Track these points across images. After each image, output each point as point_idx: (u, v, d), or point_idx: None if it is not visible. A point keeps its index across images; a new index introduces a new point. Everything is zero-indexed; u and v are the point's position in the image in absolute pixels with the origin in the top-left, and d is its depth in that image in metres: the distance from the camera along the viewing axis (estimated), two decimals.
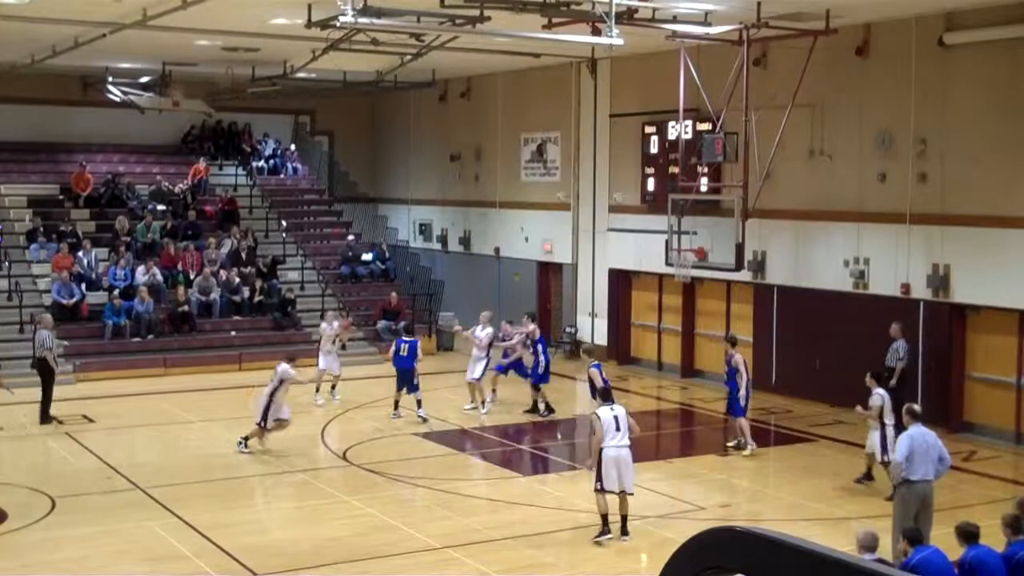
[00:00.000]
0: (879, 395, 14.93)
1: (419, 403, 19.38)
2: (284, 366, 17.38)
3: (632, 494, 13.08)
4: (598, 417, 13.03)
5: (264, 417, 17.12)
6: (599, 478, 12.86)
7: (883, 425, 14.78)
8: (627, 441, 13.04)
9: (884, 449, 14.60)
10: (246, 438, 17.31)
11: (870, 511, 13.64)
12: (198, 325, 25.36)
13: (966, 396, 18.91)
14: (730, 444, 17.53)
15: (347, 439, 18.21)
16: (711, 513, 14.25)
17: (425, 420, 19.21)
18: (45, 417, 19.24)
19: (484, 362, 20.05)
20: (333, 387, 21.38)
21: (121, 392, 21.56)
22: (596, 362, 17.50)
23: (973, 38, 18.16)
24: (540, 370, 20.06)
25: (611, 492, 12.89)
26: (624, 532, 13.05)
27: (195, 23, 19.66)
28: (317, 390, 21.07)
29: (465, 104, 30.32)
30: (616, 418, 13.00)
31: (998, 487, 15.70)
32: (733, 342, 17.94)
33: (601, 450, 12.86)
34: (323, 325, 21.90)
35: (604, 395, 13.73)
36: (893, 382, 17.85)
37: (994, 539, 9.79)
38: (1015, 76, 17.74)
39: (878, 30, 19.65)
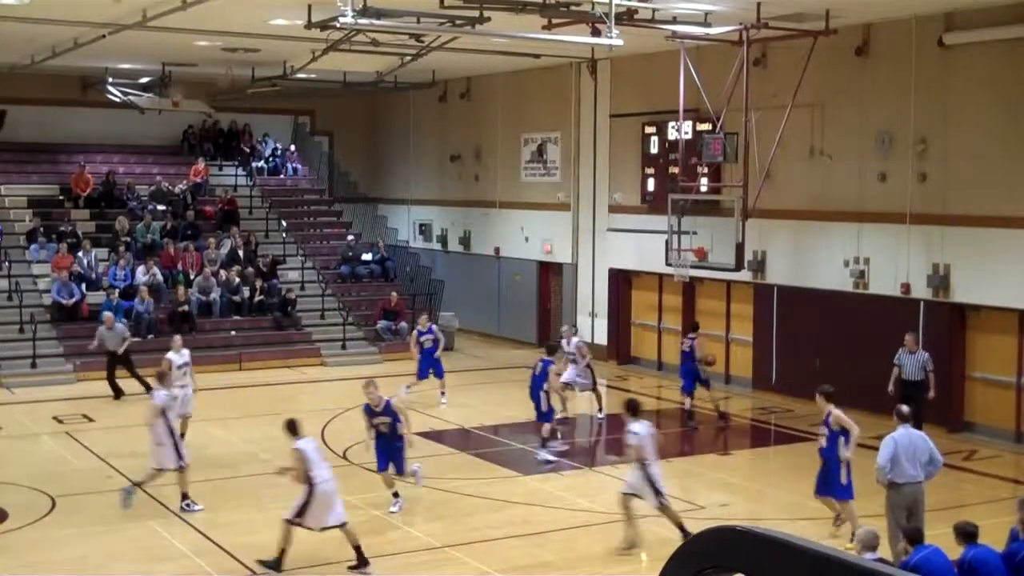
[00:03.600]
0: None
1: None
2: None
3: (346, 523, 12.17)
4: (299, 450, 12.10)
5: None
6: (300, 513, 11.89)
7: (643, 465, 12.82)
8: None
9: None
10: None
11: (870, 511, 13.63)
12: (198, 325, 25.34)
13: (966, 396, 18.91)
14: (839, 528, 13.22)
15: (347, 438, 18.21)
16: (711, 512, 14.25)
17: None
18: None
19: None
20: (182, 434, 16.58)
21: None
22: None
23: (973, 38, 18.16)
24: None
25: (312, 528, 11.97)
26: (364, 563, 11.99)
27: (195, 23, 19.66)
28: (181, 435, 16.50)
29: (465, 104, 30.33)
30: (318, 449, 12.28)
31: (998, 487, 15.70)
32: (829, 395, 13.22)
33: (314, 486, 11.90)
34: (170, 354, 17.48)
35: (292, 428, 12.44)
36: (932, 393, 17.30)
37: (995, 538, 9.79)
38: (1015, 76, 17.75)
39: (878, 30, 19.66)
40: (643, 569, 12.57)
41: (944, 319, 18.88)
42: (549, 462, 16.74)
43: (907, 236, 19.29)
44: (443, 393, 21.12)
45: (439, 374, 21.24)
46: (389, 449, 14.24)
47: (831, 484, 12.86)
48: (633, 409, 13.16)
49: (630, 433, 12.87)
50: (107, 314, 22.15)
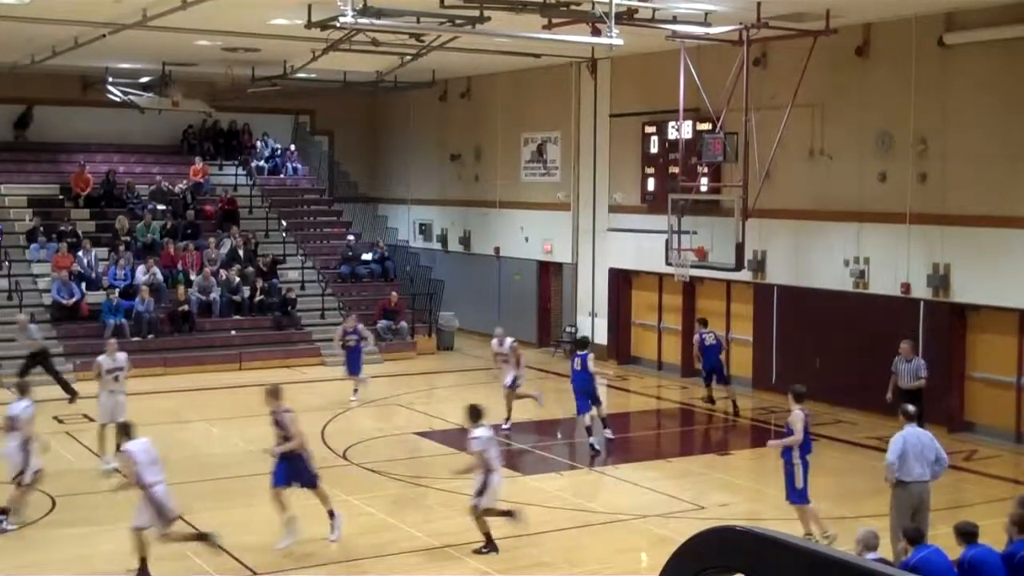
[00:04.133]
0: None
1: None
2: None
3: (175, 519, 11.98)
4: (126, 453, 11.78)
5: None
6: (145, 519, 11.67)
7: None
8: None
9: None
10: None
11: (870, 511, 13.63)
12: (198, 324, 25.37)
13: (966, 396, 18.91)
14: (828, 535, 12.68)
15: (347, 438, 18.21)
16: (711, 512, 14.25)
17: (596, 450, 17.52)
18: None
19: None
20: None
21: None
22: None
23: (973, 38, 18.16)
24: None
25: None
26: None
27: (195, 23, 19.66)
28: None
29: (465, 104, 30.33)
30: (149, 451, 11.83)
31: (998, 487, 15.70)
32: (797, 396, 13.00)
33: (146, 488, 11.63)
34: (102, 357, 16.74)
35: (124, 430, 12.04)
36: (909, 384, 17.23)
37: (994, 538, 9.79)
38: (1015, 76, 17.75)
39: (878, 30, 19.66)
40: (643, 568, 12.57)
41: (944, 319, 18.88)
42: (610, 440, 17.66)
43: (907, 236, 19.29)
44: (355, 391, 21.27)
45: (356, 371, 21.40)
46: (290, 463, 12.86)
47: (788, 488, 12.80)
48: (474, 415, 12.82)
49: (473, 439, 12.62)
50: (20, 317, 21.75)
